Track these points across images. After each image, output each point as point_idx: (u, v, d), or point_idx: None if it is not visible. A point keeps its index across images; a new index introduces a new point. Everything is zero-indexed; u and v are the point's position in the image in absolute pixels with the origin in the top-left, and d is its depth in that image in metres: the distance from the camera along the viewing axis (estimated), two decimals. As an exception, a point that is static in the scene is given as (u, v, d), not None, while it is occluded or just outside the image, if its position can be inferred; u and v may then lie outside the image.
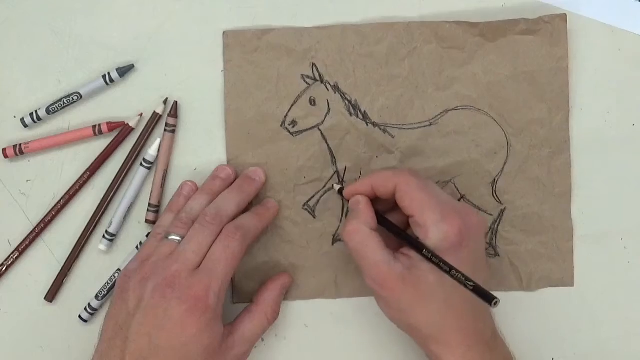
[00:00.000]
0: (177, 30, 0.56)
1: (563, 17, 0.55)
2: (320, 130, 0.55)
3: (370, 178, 0.51)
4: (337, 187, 0.54)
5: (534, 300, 0.56)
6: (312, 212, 0.55)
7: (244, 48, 0.55)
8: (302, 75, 0.55)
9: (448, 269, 0.46)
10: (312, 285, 0.56)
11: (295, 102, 0.55)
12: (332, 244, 0.56)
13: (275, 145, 0.55)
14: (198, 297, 0.47)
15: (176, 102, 0.56)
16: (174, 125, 0.56)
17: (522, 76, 0.55)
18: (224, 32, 0.55)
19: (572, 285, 0.56)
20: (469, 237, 0.48)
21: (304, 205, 0.55)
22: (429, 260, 0.47)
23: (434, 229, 0.48)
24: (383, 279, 0.48)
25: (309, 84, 0.55)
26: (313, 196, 0.55)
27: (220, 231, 0.50)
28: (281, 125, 0.55)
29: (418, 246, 0.48)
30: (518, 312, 0.56)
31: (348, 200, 0.52)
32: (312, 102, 0.55)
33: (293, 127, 0.55)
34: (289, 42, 0.55)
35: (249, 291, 0.55)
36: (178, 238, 0.50)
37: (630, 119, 0.56)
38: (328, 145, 0.55)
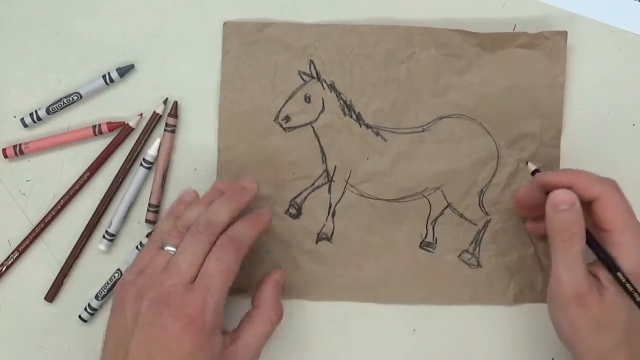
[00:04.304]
0: (177, 30, 0.56)
1: (564, 35, 0.55)
2: (313, 127, 0.55)
3: (574, 175, 0.48)
4: (532, 166, 0.51)
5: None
6: (298, 209, 0.55)
7: (243, 40, 0.55)
8: (299, 72, 0.55)
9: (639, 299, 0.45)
10: (291, 285, 0.55)
11: (290, 98, 0.55)
12: (316, 242, 0.56)
13: (266, 140, 0.55)
14: (193, 315, 0.46)
15: (176, 102, 0.56)
16: (174, 125, 0.56)
17: (517, 89, 0.55)
18: (224, 23, 0.55)
19: None
20: None
21: (291, 201, 0.55)
22: (621, 283, 0.46)
23: (631, 252, 0.46)
24: (583, 294, 0.46)
25: (305, 81, 0.55)
26: (300, 193, 0.55)
27: (215, 241, 0.49)
28: (274, 120, 0.55)
29: (613, 267, 0.47)
30: (518, 311, 0.56)
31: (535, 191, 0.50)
32: (307, 99, 0.55)
33: (286, 122, 0.55)
34: (289, 37, 0.55)
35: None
36: (173, 249, 0.49)
37: (630, 119, 0.56)
38: (320, 143, 0.55)
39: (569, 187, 0.48)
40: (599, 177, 0.49)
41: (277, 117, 0.55)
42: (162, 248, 0.49)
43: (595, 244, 0.48)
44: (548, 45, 0.55)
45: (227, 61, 0.55)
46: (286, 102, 0.55)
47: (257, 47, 0.55)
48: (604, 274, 0.47)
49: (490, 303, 0.55)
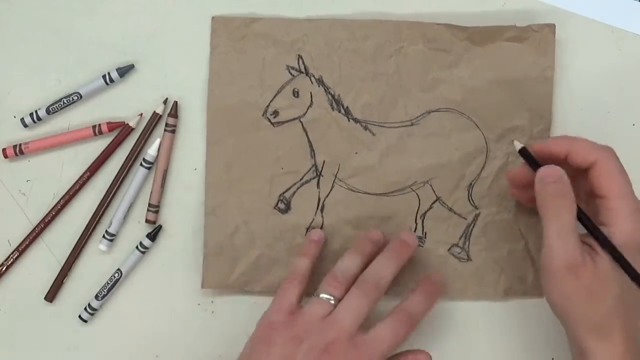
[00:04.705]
0: (177, 30, 0.56)
1: (552, 28, 0.55)
2: (301, 122, 0.55)
3: (570, 141, 0.48)
4: (518, 145, 0.50)
5: (534, 300, 0.56)
6: (287, 204, 0.55)
7: (231, 35, 0.55)
8: (288, 66, 0.55)
9: (634, 275, 0.45)
10: (278, 279, 0.54)
11: (278, 93, 0.55)
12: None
13: (255, 134, 0.55)
14: None
15: (176, 102, 0.56)
16: (174, 125, 0.56)
17: (506, 83, 0.55)
18: (212, 18, 0.55)
19: (542, 296, 0.55)
20: None
21: (279, 195, 0.55)
22: (615, 258, 0.46)
23: (626, 219, 0.46)
24: (576, 264, 0.46)
25: (293, 76, 0.55)
26: (289, 188, 0.55)
27: (376, 297, 0.49)
28: (263, 115, 0.55)
29: (605, 243, 0.46)
30: (517, 311, 0.56)
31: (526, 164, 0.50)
32: (296, 93, 0.55)
33: (274, 117, 0.55)
34: (277, 32, 0.55)
35: (218, 277, 0.55)
36: (332, 298, 0.49)
37: (630, 119, 0.56)
38: (308, 138, 0.55)
39: (567, 154, 0.48)
40: (596, 144, 0.49)
41: (265, 111, 0.55)
42: (318, 296, 0.49)
43: (587, 219, 0.48)
44: (536, 38, 0.55)
45: (215, 56, 0.55)
46: (274, 96, 0.55)
47: (245, 42, 0.55)
48: (596, 244, 0.47)
49: (480, 297, 0.55)
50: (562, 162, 0.49)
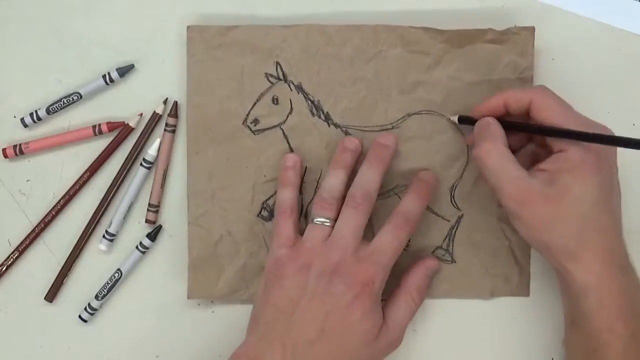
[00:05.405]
0: (177, 30, 0.56)
1: (531, 30, 0.54)
2: (282, 129, 0.55)
3: (503, 94, 0.50)
4: (454, 118, 0.53)
5: (535, 299, 0.56)
6: (270, 211, 0.55)
7: (208, 43, 0.55)
8: (266, 74, 0.55)
9: (591, 137, 0.46)
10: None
11: (258, 101, 0.55)
12: None
13: (236, 143, 0.55)
14: (365, 282, 0.48)
15: (176, 102, 0.56)
16: (174, 125, 0.56)
17: (486, 84, 0.55)
18: (187, 27, 0.55)
19: (527, 295, 0.56)
20: (606, 159, 0.48)
21: (262, 203, 0.55)
22: (575, 137, 0.47)
23: (574, 145, 0.47)
24: (524, 195, 0.47)
25: (272, 83, 0.55)
26: (272, 195, 0.55)
27: (368, 207, 0.50)
28: (243, 123, 0.55)
29: (561, 131, 0.47)
30: (518, 311, 0.56)
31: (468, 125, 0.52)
32: (275, 101, 0.55)
33: (255, 125, 0.55)
34: (254, 40, 0.55)
35: (204, 287, 0.55)
36: (327, 220, 0.50)
37: (630, 119, 0.56)
38: (289, 144, 0.55)
39: (504, 106, 0.50)
40: (527, 87, 0.50)
41: (245, 119, 0.55)
42: (313, 221, 0.50)
43: (515, 123, 0.50)
44: (516, 40, 0.54)
45: (192, 65, 0.55)
46: (254, 105, 0.55)
47: (223, 50, 0.55)
48: (553, 167, 0.48)
49: (465, 297, 0.56)
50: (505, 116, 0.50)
